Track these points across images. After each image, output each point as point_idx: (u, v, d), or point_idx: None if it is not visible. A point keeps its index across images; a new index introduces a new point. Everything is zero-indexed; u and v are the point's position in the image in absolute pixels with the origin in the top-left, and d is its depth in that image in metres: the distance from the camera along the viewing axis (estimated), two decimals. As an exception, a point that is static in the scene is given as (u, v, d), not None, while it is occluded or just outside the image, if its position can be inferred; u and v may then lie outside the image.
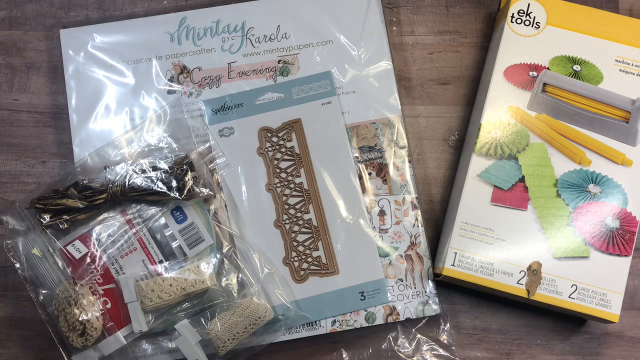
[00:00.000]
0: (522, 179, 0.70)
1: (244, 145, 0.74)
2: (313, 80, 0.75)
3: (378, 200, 0.73)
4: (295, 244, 0.72)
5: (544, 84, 0.72)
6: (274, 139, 0.74)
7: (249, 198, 0.73)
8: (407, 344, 0.72)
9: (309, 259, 0.72)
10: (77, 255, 0.69)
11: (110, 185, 0.69)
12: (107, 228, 0.70)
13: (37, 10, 0.79)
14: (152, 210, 0.70)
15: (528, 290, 0.68)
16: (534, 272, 0.68)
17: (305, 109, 0.74)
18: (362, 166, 0.74)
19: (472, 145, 0.72)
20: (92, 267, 0.69)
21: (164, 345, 0.70)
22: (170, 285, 0.68)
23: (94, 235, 0.69)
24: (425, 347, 0.72)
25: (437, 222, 0.75)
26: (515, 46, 0.73)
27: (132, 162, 0.71)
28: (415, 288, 0.72)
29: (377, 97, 0.75)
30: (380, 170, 0.74)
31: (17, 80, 0.77)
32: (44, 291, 0.69)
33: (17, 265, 0.69)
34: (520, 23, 0.73)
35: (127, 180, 0.69)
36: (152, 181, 0.69)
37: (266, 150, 0.74)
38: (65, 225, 0.69)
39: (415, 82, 0.78)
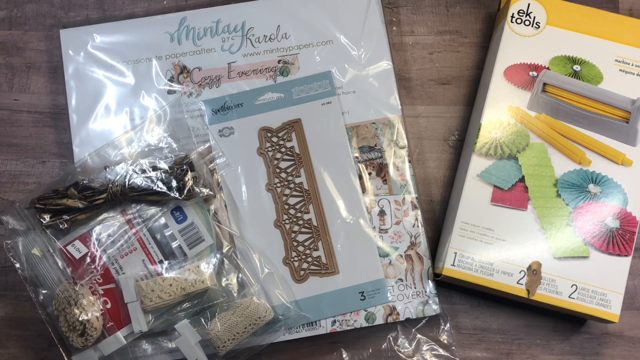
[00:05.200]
0: (522, 179, 0.70)
1: (244, 145, 0.74)
2: (313, 80, 0.75)
3: (378, 200, 0.73)
4: (295, 244, 0.72)
5: (544, 84, 0.72)
6: (274, 139, 0.74)
7: (249, 198, 0.73)
8: (407, 344, 0.72)
9: (309, 259, 0.72)
10: (77, 255, 0.69)
11: (110, 185, 0.69)
12: (107, 228, 0.70)
13: (37, 10, 0.79)
14: (152, 210, 0.70)
15: (528, 290, 0.68)
16: (534, 272, 0.68)
17: (305, 109, 0.74)
18: (362, 166, 0.74)
19: (472, 145, 0.72)
20: (92, 267, 0.69)
21: (164, 345, 0.70)
22: (170, 285, 0.68)
23: (94, 235, 0.69)
24: (425, 347, 0.72)
25: (437, 222, 0.75)
26: (515, 46, 0.73)
27: (132, 162, 0.71)
28: (415, 288, 0.72)
29: (377, 97, 0.75)
30: (380, 170, 0.74)
31: (17, 80, 0.78)
32: (44, 291, 0.69)
33: (17, 265, 0.69)
34: (520, 23, 0.73)
35: (127, 180, 0.69)
36: (152, 181, 0.69)
37: (266, 150, 0.74)
38: (65, 225, 0.69)
39: (415, 82, 0.78)
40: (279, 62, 0.76)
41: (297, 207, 0.73)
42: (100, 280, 0.69)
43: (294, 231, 0.72)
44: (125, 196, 0.69)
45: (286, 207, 0.73)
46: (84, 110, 0.74)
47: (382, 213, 0.73)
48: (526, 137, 0.71)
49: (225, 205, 0.73)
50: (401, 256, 0.72)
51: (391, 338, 0.72)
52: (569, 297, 0.68)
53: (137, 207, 0.70)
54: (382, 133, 0.74)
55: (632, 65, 0.72)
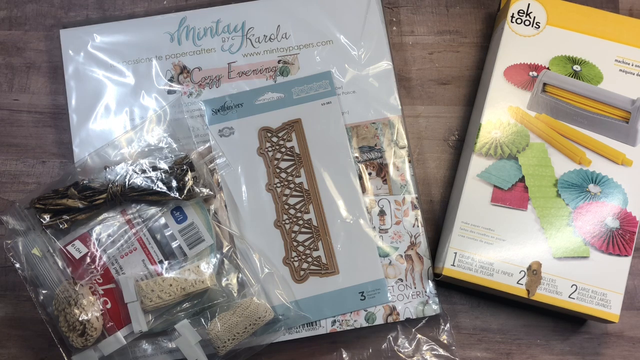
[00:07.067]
0: (522, 179, 0.70)
1: (244, 145, 0.74)
2: (313, 80, 0.75)
3: (378, 200, 0.73)
4: (295, 244, 0.72)
5: (544, 84, 0.72)
6: (274, 139, 0.74)
7: (249, 198, 0.73)
8: (407, 344, 0.72)
9: (309, 259, 0.72)
10: (77, 255, 0.69)
11: (110, 185, 0.69)
12: (107, 228, 0.70)
13: (37, 10, 0.79)
14: (152, 210, 0.70)
15: (528, 290, 0.68)
16: (534, 272, 0.68)
17: (305, 109, 0.74)
18: (362, 166, 0.74)
19: (472, 145, 0.72)
20: (92, 267, 0.69)
21: (164, 345, 0.70)
22: (170, 285, 0.68)
23: (94, 235, 0.69)
24: (425, 347, 0.72)
25: (437, 222, 0.75)
26: (515, 46, 0.73)
27: (132, 162, 0.71)
28: (415, 288, 0.72)
29: (377, 97, 0.75)
30: (380, 170, 0.74)
31: (17, 80, 0.78)
32: (44, 291, 0.69)
33: (17, 265, 0.69)
34: (520, 23, 0.73)
35: (127, 180, 0.69)
36: (152, 181, 0.69)
37: (266, 150, 0.74)
38: (65, 225, 0.69)
39: (415, 82, 0.78)
40: (279, 62, 0.76)
41: (297, 207, 0.73)
42: (100, 280, 0.69)
43: (294, 231, 0.72)
44: (125, 196, 0.69)
45: (286, 207, 0.73)
46: (84, 110, 0.74)
47: (382, 213, 0.73)
48: (526, 137, 0.71)
49: (225, 205, 0.73)
50: (401, 256, 0.72)
51: (391, 338, 0.72)
52: (569, 297, 0.68)
53: (137, 207, 0.70)
54: (382, 133, 0.74)
55: (632, 65, 0.72)
